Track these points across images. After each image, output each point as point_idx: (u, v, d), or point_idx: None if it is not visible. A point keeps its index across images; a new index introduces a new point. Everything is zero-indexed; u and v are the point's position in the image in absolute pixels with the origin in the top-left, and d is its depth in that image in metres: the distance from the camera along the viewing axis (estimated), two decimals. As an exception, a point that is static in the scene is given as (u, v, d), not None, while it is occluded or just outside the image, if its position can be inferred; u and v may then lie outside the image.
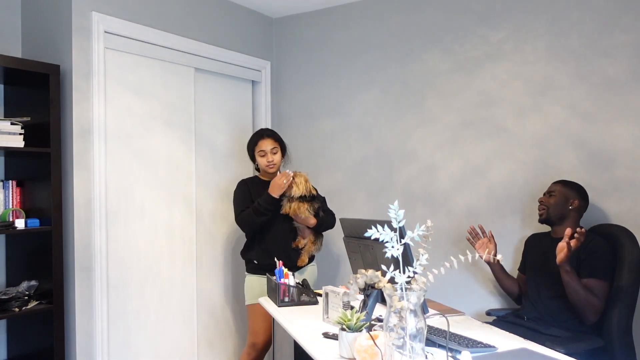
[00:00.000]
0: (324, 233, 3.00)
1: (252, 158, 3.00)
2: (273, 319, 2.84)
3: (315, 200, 2.90)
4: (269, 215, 2.79)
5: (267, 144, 2.91)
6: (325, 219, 2.93)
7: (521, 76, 2.92)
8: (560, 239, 2.40)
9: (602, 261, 2.30)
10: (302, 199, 2.83)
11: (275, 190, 2.77)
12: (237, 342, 3.49)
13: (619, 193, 2.66)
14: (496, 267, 2.72)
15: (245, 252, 2.96)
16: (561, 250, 2.23)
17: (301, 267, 2.91)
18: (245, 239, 2.98)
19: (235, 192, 2.96)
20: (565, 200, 2.48)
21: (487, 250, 2.69)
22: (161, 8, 3.00)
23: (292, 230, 2.90)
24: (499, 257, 1.55)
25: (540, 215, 2.56)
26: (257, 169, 3.05)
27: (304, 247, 2.89)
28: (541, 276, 2.50)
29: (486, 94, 3.02)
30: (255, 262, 2.88)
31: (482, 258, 2.26)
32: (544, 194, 2.58)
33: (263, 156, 2.91)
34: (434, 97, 3.19)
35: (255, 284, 2.88)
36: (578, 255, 2.34)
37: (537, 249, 2.62)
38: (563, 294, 2.34)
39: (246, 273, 2.97)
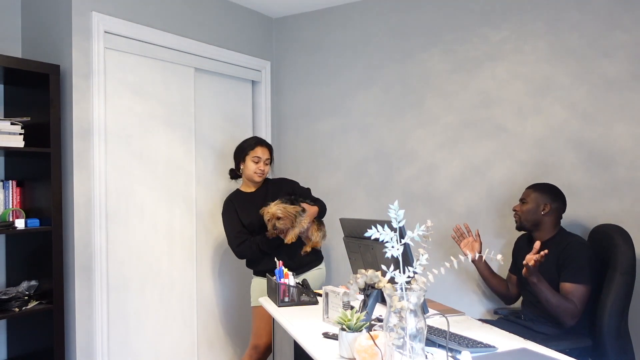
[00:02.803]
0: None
1: (239, 161, 2.94)
2: (274, 320, 2.85)
3: (294, 197, 2.81)
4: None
5: (264, 153, 2.91)
6: (320, 204, 2.94)
7: (521, 76, 2.92)
8: (543, 243, 2.43)
9: (579, 265, 2.29)
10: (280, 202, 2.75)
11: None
12: (237, 342, 3.49)
13: (619, 193, 2.65)
14: (481, 266, 2.72)
15: (251, 264, 2.94)
16: (525, 264, 2.22)
17: (308, 270, 2.88)
18: None
19: (223, 215, 2.90)
20: (536, 207, 2.48)
21: (473, 248, 2.68)
22: (161, 8, 3.00)
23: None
24: (498, 257, 1.55)
25: (515, 222, 2.58)
26: (235, 177, 3.01)
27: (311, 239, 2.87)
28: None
29: (486, 94, 3.02)
30: (261, 268, 2.86)
31: (468, 258, 2.22)
32: (519, 201, 2.58)
33: (257, 162, 2.88)
34: (434, 97, 3.19)
35: (260, 286, 2.87)
36: (557, 260, 2.35)
37: (524, 253, 2.61)
38: None
39: (253, 275, 2.97)
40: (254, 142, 2.95)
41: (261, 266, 2.86)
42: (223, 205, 2.94)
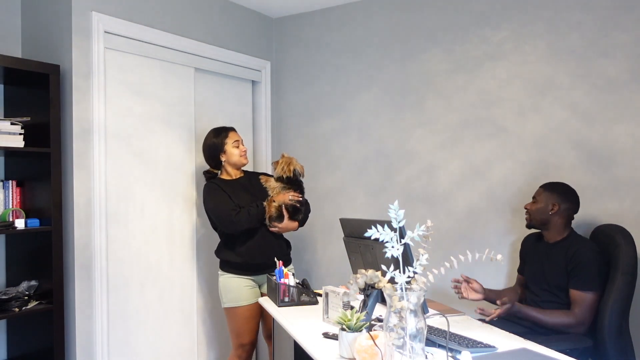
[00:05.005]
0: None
1: (219, 155, 2.90)
2: (267, 319, 2.85)
3: (296, 185, 2.91)
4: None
5: (237, 135, 2.94)
6: (304, 217, 2.97)
7: (521, 76, 2.92)
8: (553, 244, 2.46)
9: (588, 272, 2.28)
10: (281, 181, 2.88)
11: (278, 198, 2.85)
12: (237, 342, 3.49)
13: (619, 193, 2.65)
14: (491, 295, 2.52)
15: (224, 252, 2.87)
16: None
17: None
18: (222, 237, 2.91)
19: (209, 195, 2.83)
20: (545, 206, 2.46)
21: (475, 290, 2.44)
22: (161, 8, 3.00)
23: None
24: (498, 257, 1.54)
25: (526, 220, 2.57)
26: (212, 176, 2.97)
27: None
28: (537, 282, 2.50)
29: (486, 94, 3.02)
30: (233, 261, 2.82)
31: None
32: (532, 199, 2.56)
33: (238, 147, 2.90)
34: (434, 97, 3.19)
35: (233, 285, 2.82)
36: (566, 265, 2.35)
37: (532, 253, 2.61)
38: (559, 299, 2.37)
39: (221, 272, 2.89)
40: (223, 131, 2.92)
41: (234, 257, 2.81)
42: (205, 189, 2.87)
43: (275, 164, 2.96)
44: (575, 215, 2.51)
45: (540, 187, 2.55)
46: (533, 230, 2.66)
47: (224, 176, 2.96)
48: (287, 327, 2.06)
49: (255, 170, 3.53)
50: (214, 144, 2.90)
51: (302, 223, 2.96)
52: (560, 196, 2.47)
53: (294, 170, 2.90)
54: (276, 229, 2.85)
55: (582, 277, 2.29)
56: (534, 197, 2.54)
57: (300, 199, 2.89)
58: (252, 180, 2.98)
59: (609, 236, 2.39)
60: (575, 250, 2.35)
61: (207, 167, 3.01)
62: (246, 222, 2.75)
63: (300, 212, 2.91)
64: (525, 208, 2.57)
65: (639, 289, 2.36)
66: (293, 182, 2.90)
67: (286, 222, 2.86)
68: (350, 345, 1.60)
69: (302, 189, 2.94)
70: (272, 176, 2.98)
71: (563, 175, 2.75)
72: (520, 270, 2.73)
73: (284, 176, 2.88)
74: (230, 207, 2.76)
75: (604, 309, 2.24)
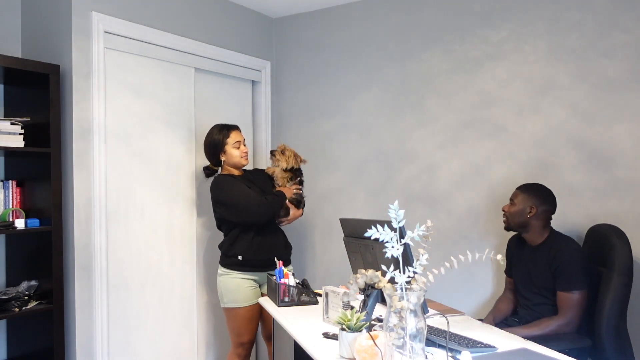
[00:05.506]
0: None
1: (219, 153, 2.89)
2: (267, 320, 2.85)
3: (299, 172, 3.05)
4: None
5: (240, 135, 2.92)
6: (303, 201, 3.09)
7: (521, 76, 2.92)
8: (536, 247, 2.45)
9: (572, 272, 2.29)
10: (290, 170, 3.00)
11: (288, 193, 2.95)
12: (237, 342, 3.49)
13: (619, 193, 2.65)
14: (490, 321, 2.59)
15: (231, 247, 2.82)
16: None
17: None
18: (229, 234, 2.88)
19: (227, 184, 2.81)
20: (523, 209, 2.45)
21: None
22: (161, 8, 3.00)
23: (278, 227, 2.99)
24: (498, 257, 1.55)
25: (504, 223, 2.56)
26: (212, 173, 2.97)
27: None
28: (526, 285, 2.50)
29: (486, 94, 3.02)
30: (240, 257, 2.79)
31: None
32: (509, 201, 2.55)
33: (238, 147, 2.88)
34: (433, 97, 3.19)
35: (234, 285, 2.81)
36: (550, 266, 2.35)
37: (518, 256, 2.61)
38: (549, 300, 2.38)
39: (223, 271, 2.84)
40: (226, 129, 2.90)
41: (240, 251, 2.78)
42: (220, 181, 2.84)
43: (276, 153, 3.02)
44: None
45: (517, 188, 2.54)
46: None
47: (230, 172, 2.95)
48: (287, 327, 2.06)
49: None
50: (215, 141, 2.89)
51: (303, 207, 3.08)
52: (538, 198, 2.46)
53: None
54: (285, 221, 2.97)
55: (565, 278, 2.30)
56: (511, 199, 2.52)
57: (301, 190, 3.03)
58: (254, 175, 3.02)
59: (605, 236, 2.38)
60: (557, 250, 2.35)
61: (208, 162, 3.02)
62: (277, 205, 2.84)
63: (301, 201, 3.05)
64: (503, 210, 2.56)
65: (636, 289, 2.36)
66: (297, 170, 3.04)
67: (293, 214, 2.98)
68: (350, 345, 1.60)
69: (302, 175, 3.08)
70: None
71: (563, 175, 2.75)
72: (507, 272, 2.72)
73: (294, 167, 3.01)
74: (254, 193, 2.81)
75: (602, 310, 2.24)
